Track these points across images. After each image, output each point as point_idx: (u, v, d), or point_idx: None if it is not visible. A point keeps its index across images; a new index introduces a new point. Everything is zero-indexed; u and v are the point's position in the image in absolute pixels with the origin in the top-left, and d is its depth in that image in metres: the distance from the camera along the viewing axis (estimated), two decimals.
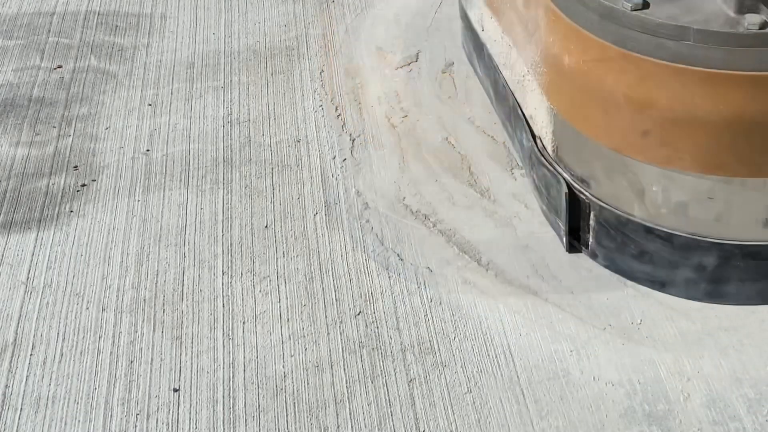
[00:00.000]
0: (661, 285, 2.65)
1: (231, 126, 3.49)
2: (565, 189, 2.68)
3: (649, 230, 2.56)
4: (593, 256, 2.76)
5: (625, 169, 2.52)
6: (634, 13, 2.28)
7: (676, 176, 2.44)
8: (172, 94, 3.69)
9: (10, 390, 2.59)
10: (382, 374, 2.53)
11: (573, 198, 2.69)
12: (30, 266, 2.97)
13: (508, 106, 3.10)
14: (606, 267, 2.73)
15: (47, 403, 2.54)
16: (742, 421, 2.34)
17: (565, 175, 2.72)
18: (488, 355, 2.56)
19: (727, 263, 2.53)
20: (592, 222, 2.69)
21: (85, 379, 2.60)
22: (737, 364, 2.47)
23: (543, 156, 2.80)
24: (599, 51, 2.40)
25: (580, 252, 2.78)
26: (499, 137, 3.28)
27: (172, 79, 3.76)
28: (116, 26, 4.15)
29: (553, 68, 2.65)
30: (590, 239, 2.73)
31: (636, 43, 2.30)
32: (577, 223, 2.74)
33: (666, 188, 2.47)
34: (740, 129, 2.31)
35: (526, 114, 2.93)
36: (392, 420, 2.42)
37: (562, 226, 2.77)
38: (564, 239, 2.78)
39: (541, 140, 2.84)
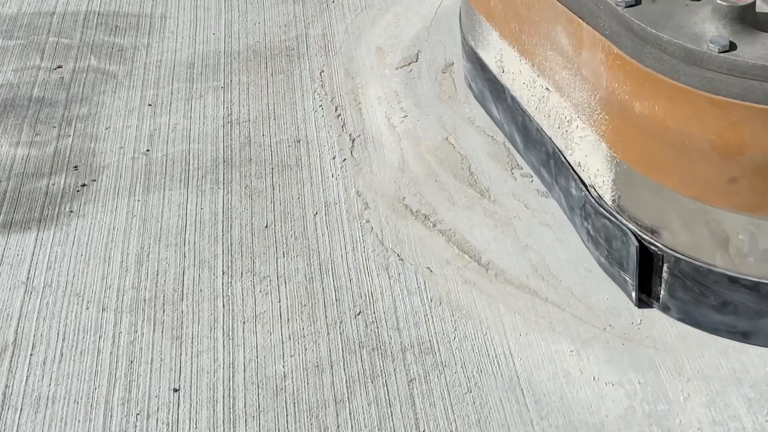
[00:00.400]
0: (743, 336, 2.51)
1: (231, 126, 3.49)
2: (635, 242, 2.51)
3: (733, 280, 2.40)
4: (665, 309, 2.59)
5: (707, 217, 2.35)
6: (722, 55, 2.10)
7: (765, 223, 2.29)
8: (172, 94, 3.69)
9: (10, 390, 2.59)
10: (382, 374, 2.53)
11: (643, 250, 2.52)
12: (30, 266, 2.97)
13: (545, 153, 2.91)
14: (680, 320, 2.58)
15: (47, 403, 2.54)
16: (742, 421, 2.34)
17: (631, 226, 2.54)
18: (488, 355, 2.56)
19: None
20: (665, 274, 2.52)
21: (85, 379, 2.60)
22: (737, 364, 2.47)
23: (601, 206, 2.62)
24: (680, 97, 2.23)
25: (651, 307, 2.62)
26: (499, 137, 3.28)
27: (172, 79, 3.76)
28: (116, 26, 4.15)
29: (618, 115, 2.45)
30: (662, 292, 2.56)
31: (724, 87, 2.13)
32: (647, 276, 2.57)
33: (753, 236, 2.32)
34: None
35: (571, 161, 2.75)
36: (392, 420, 2.42)
37: (631, 280, 2.59)
38: (633, 294, 2.61)
39: (595, 189, 2.66)
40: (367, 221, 3.01)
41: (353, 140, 3.36)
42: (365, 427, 2.41)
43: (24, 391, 2.58)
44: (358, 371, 2.55)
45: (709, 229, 2.37)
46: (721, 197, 2.31)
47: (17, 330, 2.76)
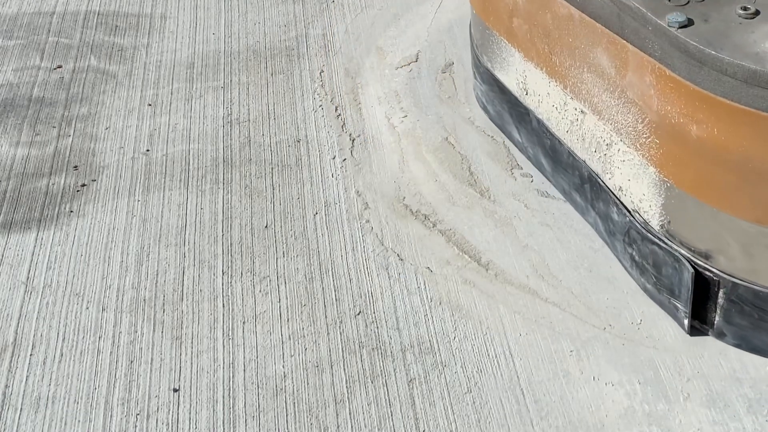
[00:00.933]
0: None
1: (231, 126, 3.49)
2: (690, 268, 2.42)
3: None
4: (720, 335, 2.52)
5: (767, 241, 2.28)
6: None
7: None
8: (172, 94, 3.69)
9: (10, 390, 2.59)
10: (382, 374, 2.53)
11: (697, 276, 2.44)
12: (30, 266, 2.97)
13: (579, 177, 2.83)
14: (736, 345, 2.50)
15: (47, 403, 2.54)
16: (742, 421, 2.34)
17: (683, 251, 2.46)
18: (488, 355, 2.56)
19: None
20: (720, 300, 2.44)
21: (85, 379, 2.60)
22: (737, 364, 2.47)
23: (649, 231, 2.54)
24: (741, 119, 2.13)
25: (705, 334, 2.54)
26: (499, 137, 3.28)
27: (172, 79, 3.76)
28: (116, 26, 4.15)
29: (670, 139, 2.35)
30: (717, 318, 2.49)
31: None
32: (701, 303, 2.50)
33: None
34: None
35: (611, 186, 2.67)
36: (392, 420, 2.42)
37: (683, 308, 2.52)
38: (686, 321, 2.53)
39: (639, 214, 2.58)
40: (367, 221, 3.01)
41: (353, 140, 3.36)
42: (365, 427, 2.41)
43: (24, 391, 2.58)
44: (358, 371, 2.55)
45: None
46: None
47: (17, 330, 2.76)
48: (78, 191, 3.25)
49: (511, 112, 3.14)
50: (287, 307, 2.75)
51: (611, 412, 2.39)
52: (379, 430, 2.40)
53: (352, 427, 2.42)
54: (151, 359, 2.63)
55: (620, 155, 2.58)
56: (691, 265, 2.43)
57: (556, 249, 2.84)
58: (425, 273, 2.82)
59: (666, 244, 2.49)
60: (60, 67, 3.90)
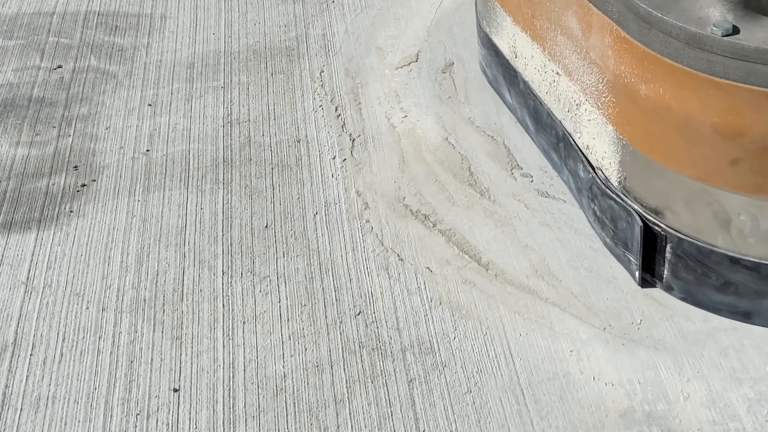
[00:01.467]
0: (744, 316, 2.55)
1: (231, 126, 3.49)
2: (639, 222, 2.56)
3: (734, 261, 2.44)
4: (668, 289, 2.64)
5: (709, 198, 2.40)
6: (725, 39, 2.14)
7: (766, 204, 2.34)
8: (172, 94, 3.69)
9: (10, 390, 2.59)
10: (382, 374, 2.53)
11: (647, 231, 2.57)
12: (30, 266, 2.97)
13: (555, 136, 2.98)
14: (683, 299, 2.62)
15: (47, 403, 2.54)
16: (742, 421, 2.34)
17: (636, 207, 2.59)
18: (488, 355, 2.56)
19: None
20: (668, 254, 2.57)
21: (85, 379, 2.60)
22: (737, 364, 2.47)
23: (608, 188, 2.68)
24: (684, 79, 2.28)
25: (654, 286, 2.67)
26: (498, 137, 3.28)
27: (172, 79, 3.76)
28: (116, 26, 4.15)
29: (624, 98, 2.50)
30: (665, 272, 2.61)
31: (726, 70, 2.18)
32: (650, 256, 2.62)
33: (754, 217, 2.36)
34: None
35: (580, 144, 2.81)
36: (392, 420, 2.42)
37: (635, 260, 2.64)
38: (637, 273, 2.66)
39: (602, 171, 2.72)
40: (367, 221, 3.01)
41: (353, 140, 3.36)
42: (365, 427, 2.41)
43: (24, 391, 2.58)
44: (358, 371, 2.55)
45: (711, 210, 2.42)
46: (723, 178, 2.35)
47: (17, 330, 2.76)
48: (78, 191, 3.25)
49: (504, 74, 3.32)
50: (287, 307, 2.75)
51: (611, 412, 2.39)
52: (379, 430, 2.40)
53: (352, 427, 2.42)
54: (151, 359, 2.63)
55: (587, 115, 2.72)
56: (641, 219, 2.56)
57: (556, 249, 2.84)
58: (425, 273, 2.82)
59: (621, 199, 2.63)
60: (60, 67, 3.90)
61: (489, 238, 2.91)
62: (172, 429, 2.45)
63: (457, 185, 3.11)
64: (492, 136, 3.29)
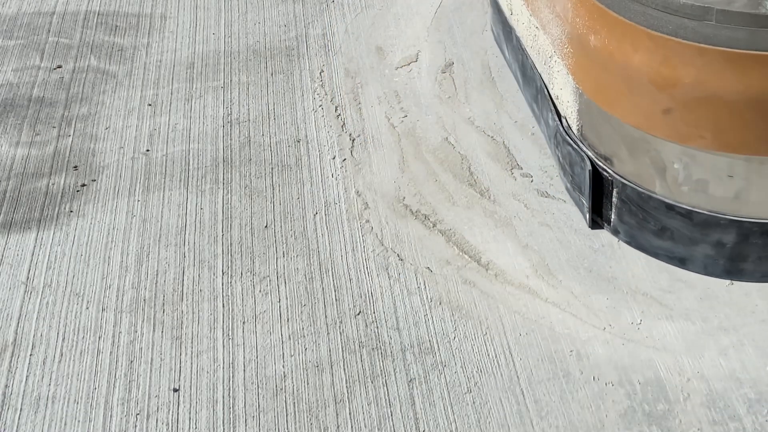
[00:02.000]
0: (680, 261, 2.70)
1: (231, 126, 3.49)
2: (589, 167, 2.75)
3: (669, 207, 2.62)
4: (615, 232, 2.83)
5: (647, 146, 2.58)
6: None
7: (697, 154, 2.49)
8: (172, 94, 3.69)
9: (10, 390, 2.59)
10: (382, 374, 2.53)
11: (596, 176, 2.76)
12: (30, 266, 2.97)
13: (536, 88, 3.18)
14: (627, 243, 2.80)
15: (47, 403, 2.54)
16: (742, 421, 2.34)
17: (589, 153, 2.79)
18: (488, 355, 2.56)
19: (746, 241, 2.57)
20: (614, 199, 2.75)
21: (85, 379, 2.60)
22: (737, 364, 2.47)
23: (568, 135, 2.88)
24: (624, 31, 2.45)
25: (602, 228, 2.85)
26: (498, 137, 3.28)
27: (172, 79, 3.76)
28: (116, 26, 4.15)
29: (579, 48, 2.71)
30: (612, 216, 2.80)
31: (660, 23, 2.34)
32: (600, 200, 2.81)
33: (687, 166, 2.53)
34: (761, 108, 2.35)
35: (552, 94, 3.02)
36: (392, 420, 2.42)
37: (586, 203, 2.83)
38: (587, 216, 2.85)
39: (566, 119, 2.92)
40: (367, 221, 3.01)
41: (353, 140, 3.36)
42: (365, 427, 2.41)
43: (24, 391, 2.58)
44: (358, 371, 2.55)
45: (649, 158, 2.60)
46: (658, 127, 2.53)
47: (17, 330, 2.76)
48: (78, 191, 3.25)
49: (503, 31, 3.55)
50: (287, 307, 2.75)
51: (611, 412, 2.39)
52: (379, 430, 2.40)
53: (352, 427, 2.42)
54: (151, 359, 2.63)
55: (556, 66, 2.94)
56: (592, 164, 2.76)
57: (556, 249, 2.84)
58: (425, 273, 2.82)
59: (578, 146, 2.83)
60: (60, 67, 3.90)
61: (489, 238, 2.91)
62: (172, 429, 2.45)
63: (457, 185, 3.11)
64: (492, 136, 3.29)
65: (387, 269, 2.84)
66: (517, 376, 2.50)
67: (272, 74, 3.74)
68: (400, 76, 3.66)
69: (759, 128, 2.39)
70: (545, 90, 3.06)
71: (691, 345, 2.52)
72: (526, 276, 2.77)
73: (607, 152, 2.73)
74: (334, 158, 3.29)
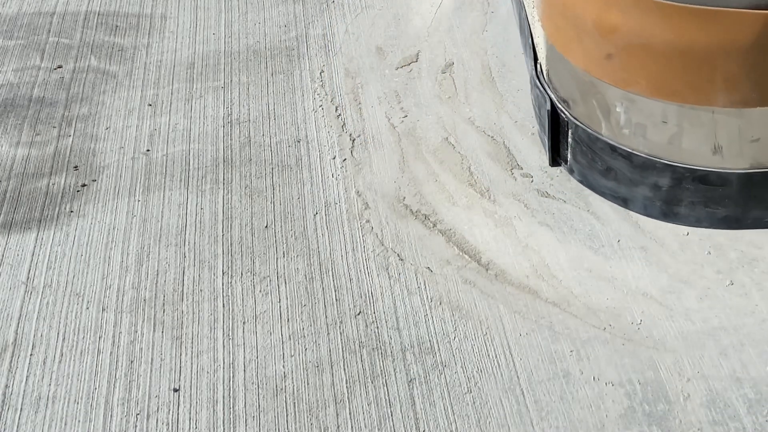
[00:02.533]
0: (623, 201, 2.90)
1: (231, 126, 3.49)
2: (548, 106, 2.97)
3: (613, 148, 2.82)
4: (570, 171, 3.04)
5: (594, 90, 2.78)
6: None
7: (636, 99, 2.68)
8: (172, 94, 3.69)
9: (10, 390, 2.59)
10: (382, 374, 2.53)
11: (555, 116, 2.98)
12: (30, 266, 2.97)
13: (526, 37, 3.38)
14: (580, 182, 3.01)
15: (47, 403, 2.54)
16: (742, 421, 2.34)
17: (551, 95, 2.99)
18: (488, 355, 2.56)
19: (680, 185, 2.76)
20: (569, 139, 2.97)
21: (85, 379, 2.60)
22: (737, 364, 2.47)
23: (538, 79, 3.10)
24: None
25: (559, 166, 3.09)
26: (498, 137, 3.28)
27: (172, 79, 3.76)
28: (116, 26, 4.15)
29: None
30: (569, 155, 3.01)
31: None
32: (558, 140, 3.03)
33: (627, 110, 2.72)
34: (691, 59, 2.53)
35: (535, 43, 3.21)
36: (392, 420, 2.42)
37: (547, 142, 3.05)
38: (548, 154, 3.08)
39: (540, 65, 3.12)
40: (367, 221, 3.01)
41: (353, 140, 3.36)
42: (365, 427, 2.41)
43: (24, 391, 2.58)
44: (358, 371, 2.55)
45: (596, 101, 2.80)
46: (602, 71, 2.73)
47: (17, 330, 2.76)
48: (78, 191, 3.25)
49: None
50: (287, 307, 2.75)
51: (611, 412, 2.39)
52: (379, 430, 2.40)
53: (352, 427, 2.42)
54: (151, 359, 2.63)
55: (536, 16, 3.16)
56: (551, 104, 2.97)
57: (556, 249, 2.84)
58: (425, 273, 2.82)
59: (544, 89, 3.05)
60: (60, 67, 3.90)
61: (489, 238, 2.91)
62: (172, 429, 2.45)
63: (457, 185, 3.11)
64: (492, 136, 3.29)
65: (387, 269, 2.84)
66: (517, 376, 2.50)
67: (272, 74, 3.74)
68: (400, 76, 3.66)
69: (688, 77, 2.56)
70: (530, 38, 3.25)
71: (691, 345, 2.52)
72: (526, 276, 2.77)
73: (565, 95, 2.94)
74: (334, 158, 3.29)
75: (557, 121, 2.99)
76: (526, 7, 3.38)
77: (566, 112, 2.95)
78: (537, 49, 3.17)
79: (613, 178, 2.88)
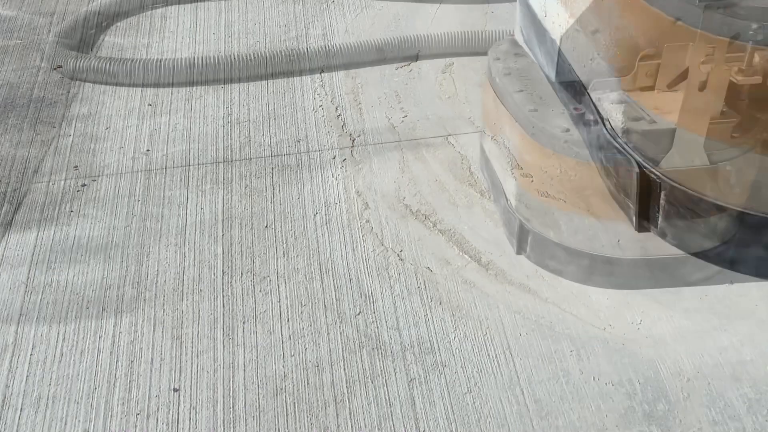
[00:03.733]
0: (730, 263, 2.69)
1: (231, 126, 3.49)
2: (636, 169, 2.65)
3: (720, 209, 2.60)
4: (662, 235, 2.74)
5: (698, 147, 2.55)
6: None
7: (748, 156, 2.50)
8: (172, 94, 3.69)
9: (10, 390, 2.59)
10: (382, 374, 2.53)
11: (644, 178, 2.67)
12: (30, 266, 2.97)
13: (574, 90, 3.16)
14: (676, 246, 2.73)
15: (47, 403, 2.54)
16: (742, 421, 2.34)
17: (636, 156, 2.69)
18: (488, 355, 2.56)
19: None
20: (662, 201, 2.69)
21: (85, 379, 2.60)
22: (737, 364, 2.47)
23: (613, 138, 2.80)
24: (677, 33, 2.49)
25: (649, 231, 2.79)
26: (498, 137, 3.27)
27: (172, 79, 3.76)
28: (116, 26, 4.15)
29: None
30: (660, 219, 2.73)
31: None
32: (648, 203, 2.73)
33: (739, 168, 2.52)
34: None
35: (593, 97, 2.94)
36: (392, 420, 2.42)
37: (632, 206, 2.74)
38: (634, 219, 2.76)
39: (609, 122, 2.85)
40: (367, 221, 3.01)
41: (353, 140, 3.36)
42: (365, 427, 2.41)
43: (24, 391, 2.58)
44: (358, 371, 2.55)
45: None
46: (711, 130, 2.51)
47: (17, 330, 2.76)
48: (78, 191, 3.25)
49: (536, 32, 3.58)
50: (287, 307, 2.75)
51: (611, 412, 2.39)
52: (379, 430, 2.40)
53: (352, 427, 2.42)
54: (151, 359, 2.63)
55: None
56: (638, 166, 2.68)
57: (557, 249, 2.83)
58: (425, 273, 2.82)
59: (624, 149, 2.78)
60: (60, 67, 3.90)
61: (489, 238, 2.91)
62: (172, 429, 2.45)
63: (457, 185, 3.11)
64: (492, 136, 3.29)
65: (387, 269, 2.84)
66: (517, 376, 2.50)
67: (272, 74, 3.74)
68: (400, 76, 3.66)
69: None
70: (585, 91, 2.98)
71: (691, 345, 2.52)
72: (526, 276, 2.77)
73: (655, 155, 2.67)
74: (334, 158, 3.29)
75: (645, 184, 2.68)
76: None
77: (657, 173, 2.64)
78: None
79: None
